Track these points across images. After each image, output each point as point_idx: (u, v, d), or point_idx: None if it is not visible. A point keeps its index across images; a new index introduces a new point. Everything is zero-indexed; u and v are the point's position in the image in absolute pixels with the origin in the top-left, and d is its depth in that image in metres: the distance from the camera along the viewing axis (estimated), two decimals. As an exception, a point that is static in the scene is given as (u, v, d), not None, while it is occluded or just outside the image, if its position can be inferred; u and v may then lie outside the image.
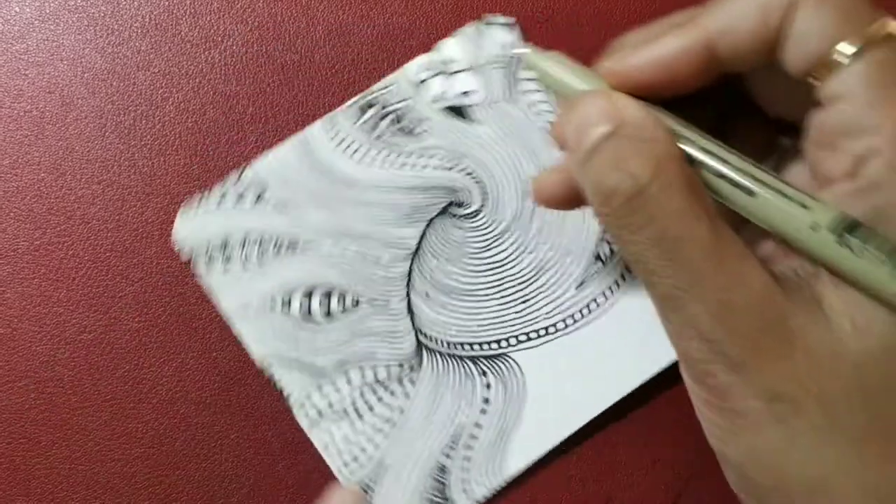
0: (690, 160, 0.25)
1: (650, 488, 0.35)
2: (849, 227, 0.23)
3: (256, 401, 0.35)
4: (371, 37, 0.36)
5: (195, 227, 0.35)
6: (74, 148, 0.35)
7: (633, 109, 0.25)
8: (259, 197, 0.35)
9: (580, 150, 0.25)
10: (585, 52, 0.29)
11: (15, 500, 0.34)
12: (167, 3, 0.36)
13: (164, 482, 0.34)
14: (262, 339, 0.34)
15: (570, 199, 0.29)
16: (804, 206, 0.24)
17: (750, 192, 0.25)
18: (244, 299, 0.34)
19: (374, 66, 0.36)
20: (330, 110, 0.36)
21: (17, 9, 0.36)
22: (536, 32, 0.36)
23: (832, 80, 0.24)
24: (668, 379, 0.34)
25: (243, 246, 0.35)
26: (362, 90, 0.36)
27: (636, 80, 0.27)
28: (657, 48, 0.26)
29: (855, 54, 0.24)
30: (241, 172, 0.35)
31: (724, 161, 0.25)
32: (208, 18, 0.36)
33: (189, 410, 0.35)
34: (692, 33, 0.26)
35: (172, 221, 0.35)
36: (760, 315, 0.23)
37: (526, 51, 0.29)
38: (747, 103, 0.29)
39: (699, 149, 0.25)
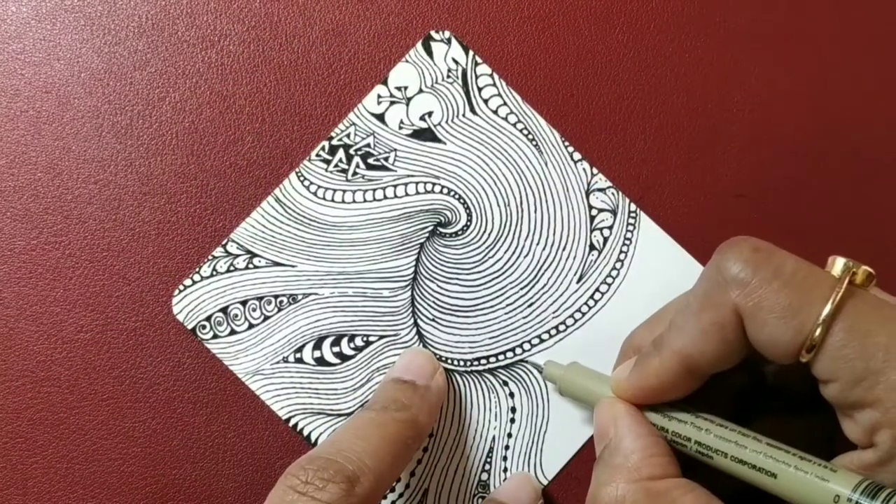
0: (705, 452, 0.28)
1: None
2: (871, 492, 0.25)
3: (253, 400, 0.35)
4: (368, 37, 0.36)
5: (193, 302, 0.35)
6: (71, 148, 0.35)
7: (620, 426, 0.29)
8: (250, 261, 0.35)
9: None
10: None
11: (12, 498, 0.34)
12: (164, 2, 0.36)
13: (161, 481, 0.35)
14: (281, 396, 0.35)
15: None
16: (825, 480, 0.26)
17: (771, 475, 0.27)
18: (255, 361, 0.35)
19: (371, 66, 0.36)
20: (326, 111, 0.36)
21: (13, 8, 0.36)
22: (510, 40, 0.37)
23: (816, 363, 0.26)
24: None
25: (245, 310, 0.35)
26: (359, 90, 0.36)
27: (637, 399, 0.30)
28: (644, 376, 0.29)
29: (821, 335, 0.26)
30: (224, 246, 0.35)
31: (743, 447, 0.27)
32: (205, 18, 0.36)
33: (185, 410, 0.35)
34: (667, 359, 0.28)
35: (169, 221, 0.35)
36: None
37: (542, 364, 0.34)
38: None
39: (716, 438, 0.28)
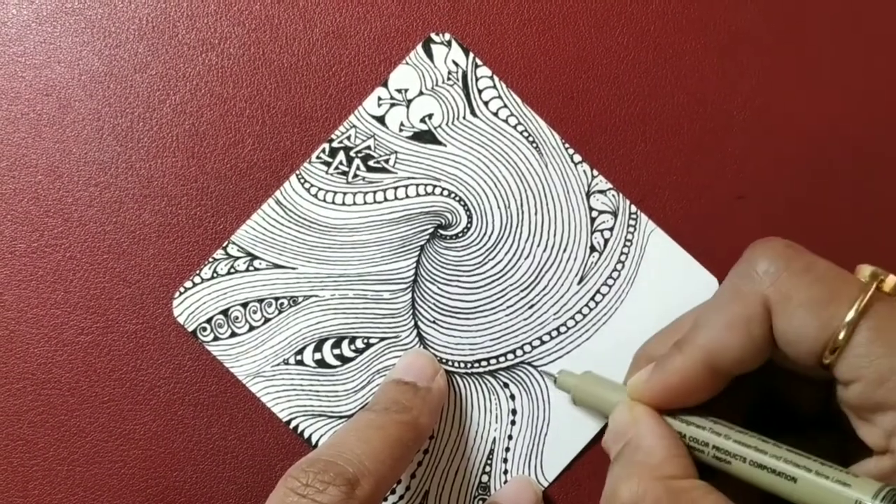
0: (723, 458, 0.28)
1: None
2: (893, 499, 0.25)
3: (254, 402, 0.35)
4: (368, 39, 0.36)
5: (194, 304, 0.35)
6: (72, 150, 0.36)
7: (641, 427, 0.29)
8: (250, 263, 0.35)
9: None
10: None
11: (13, 500, 0.34)
12: (164, 5, 0.36)
13: (162, 484, 0.35)
14: (282, 398, 0.35)
15: None
16: (845, 485, 0.25)
17: (791, 479, 0.26)
18: (256, 364, 0.35)
19: (371, 68, 0.36)
20: (326, 113, 0.36)
21: (13, 11, 0.36)
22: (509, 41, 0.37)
23: (840, 363, 0.26)
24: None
25: (245, 312, 0.35)
26: (359, 92, 0.36)
27: (656, 402, 0.29)
28: (665, 376, 0.29)
29: (846, 336, 0.26)
30: (225, 248, 0.35)
31: (763, 452, 0.27)
32: (205, 21, 0.36)
33: (186, 412, 0.35)
34: (690, 357, 0.28)
35: (170, 224, 0.35)
36: None
37: (555, 374, 0.34)
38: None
39: (735, 444, 0.28)
